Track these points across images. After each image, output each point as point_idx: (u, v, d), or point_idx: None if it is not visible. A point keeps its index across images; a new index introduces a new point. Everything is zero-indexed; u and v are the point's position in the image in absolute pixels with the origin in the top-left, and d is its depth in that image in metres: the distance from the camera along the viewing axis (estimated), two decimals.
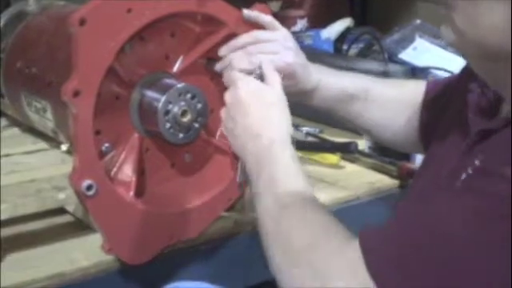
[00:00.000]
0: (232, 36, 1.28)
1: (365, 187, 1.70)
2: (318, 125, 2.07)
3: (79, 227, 1.35)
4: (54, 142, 1.51)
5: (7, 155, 1.49)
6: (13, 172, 1.38)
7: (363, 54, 2.22)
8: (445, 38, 0.99)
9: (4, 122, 1.72)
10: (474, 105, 1.05)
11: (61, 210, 1.34)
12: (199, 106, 1.23)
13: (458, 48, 1.00)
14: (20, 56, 1.52)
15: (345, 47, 2.32)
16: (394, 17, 2.67)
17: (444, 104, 1.25)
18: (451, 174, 0.95)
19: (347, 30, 2.37)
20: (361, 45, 2.28)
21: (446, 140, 1.11)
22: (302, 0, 2.78)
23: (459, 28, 0.93)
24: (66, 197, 1.24)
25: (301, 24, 2.70)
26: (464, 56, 1.06)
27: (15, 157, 1.49)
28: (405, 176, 1.69)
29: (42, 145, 1.54)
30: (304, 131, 2.03)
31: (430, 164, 1.16)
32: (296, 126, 2.01)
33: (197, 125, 1.24)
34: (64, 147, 1.36)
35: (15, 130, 1.67)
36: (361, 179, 1.74)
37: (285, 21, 2.41)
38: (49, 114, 1.38)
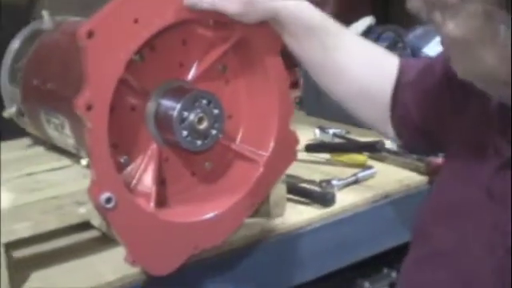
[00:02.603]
0: (244, 39, 1.26)
1: (393, 185, 1.69)
2: (345, 126, 2.06)
3: (105, 241, 1.35)
4: (76, 158, 1.50)
5: (30, 174, 1.49)
6: (35, 190, 1.38)
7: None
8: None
9: (28, 141, 1.72)
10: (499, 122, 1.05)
11: (87, 225, 1.34)
12: (215, 111, 1.22)
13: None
14: (36, 73, 1.52)
15: None
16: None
17: (437, 98, 1.24)
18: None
19: (369, 29, 2.34)
20: (385, 43, 2.25)
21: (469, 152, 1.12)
22: (324, 1, 2.75)
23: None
24: (86, 211, 1.24)
25: None
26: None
27: (38, 175, 1.48)
28: (433, 172, 1.68)
29: (66, 161, 1.53)
30: (331, 133, 2.02)
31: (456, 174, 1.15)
32: (323, 128, 2.01)
33: (214, 131, 1.23)
34: (84, 162, 1.35)
35: (39, 149, 1.67)
36: (389, 177, 1.73)
37: None
38: (67, 130, 1.38)
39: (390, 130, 1.34)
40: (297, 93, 2.40)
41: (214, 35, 1.27)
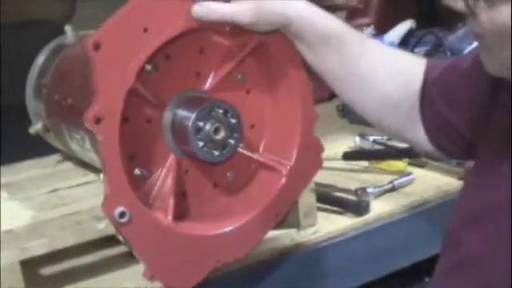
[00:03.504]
0: (263, 46, 1.23)
1: (432, 191, 1.65)
2: None
3: (131, 257, 1.32)
4: (100, 173, 1.49)
5: (55, 190, 1.48)
6: (57, 206, 1.37)
7: (429, 55, 2.14)
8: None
9: (58, 157, 1.71)
10: None
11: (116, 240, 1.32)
12: (233, 121, 1.19)
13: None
14: (58, 88, 1.51)
15: (409, 50, 2.24)
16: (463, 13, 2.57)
17: (465, 101, 1.18)
18: None
19: (410, 32, 2.30)
20: (426, 47, 2.21)
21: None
22: (367, 7, 2.72)
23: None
24: (104, 227, 1.22)
25: (367, 32, 2.63)
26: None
27: (62, 191, 1.47)
28: None
29: (91, 177, 1.52)
30: (371, 139, 1.97)
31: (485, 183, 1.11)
32: (363, 136, 1.97)
33: (232, 141, 1.20)
34: (102, 176, 1.33)
35: (68, 165, 1.67)
36: (427, 184, 1.70)
37: None
38: (88, 144, 1.36)
39: (418, 136, 1.28)
40: (339, 101, 2.36)
41: (231, 43, 1.24)
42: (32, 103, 1.63)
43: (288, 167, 1.27)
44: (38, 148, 1.71)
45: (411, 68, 1.27)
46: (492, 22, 0.93)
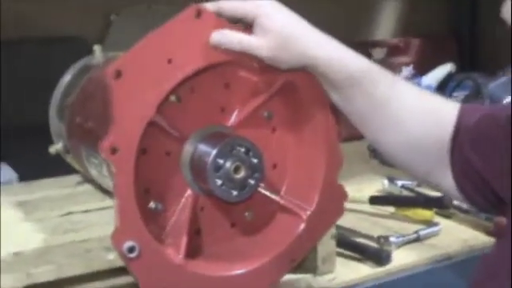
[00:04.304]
0: (291, 85, 1.19)
1: (457, 245, 1.59)
2: None
3: None
4: None
5: (69, 213, 1.45)
6: (68, 231, 1.34)
7: (467, 101, 2.08)
8: None
9: (78, 178, 1.67)
10: None
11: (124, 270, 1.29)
12: (254, 161, 1.14)
13: None
14: (80, 110, 1.48)
15: (447, 94, 2.19)
16: (506, 58, 2.53)
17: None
18: None
19: (449, 76, 2.25)
20: (464, 91, 2.16)
21: None
22: (408, 46, 2.68)
23: None
24: (114, 258, 1.18)
25: (406, 71, 2.58)
26: None
27: (76, 215, 1.44)
28: (501, 233, 1.56)
29: (108, 202, 1.48)
30: (399, 185, 1.92)
31: None
32: (391, 179, 1.92)
33: (253, 181, 1.15)
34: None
35: (88, 187, 1.63)
36: (454, 236, 1.64)
37: (389, 68, 2.31)
38: (105, 171, 1.33)
39: (446, 183, 1.23)
40: None
41: (258, 79, 1.20)
42: (55, 122, 1.60)
43: (308, 212, 1.23)
44: (61, 166, 1.67)
45: (443, 111, 1.21)
46: None
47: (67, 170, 1.68)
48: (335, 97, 1.18)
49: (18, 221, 1.44)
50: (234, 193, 1.14)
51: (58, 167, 1.66)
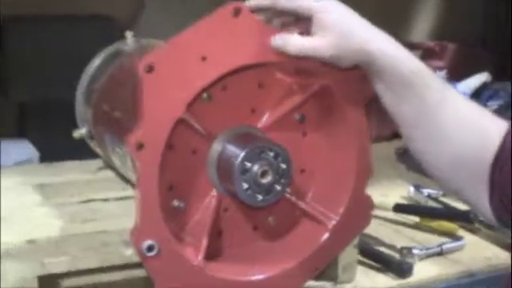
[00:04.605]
0: (326, 89, 1.15)
1: (481, 263, 1.55)
2: None
3: None
4: None
5: (88, 201, 1.41)
6: (87, 221, 1.30)
7: (500, 112, 2.04)
8: None
9: (99, 163, 1.64)
10: None
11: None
12: (283, 166, 1.11)
13: None
14: (107, 98, 1.44)
15: (482, 103, 2.15)
16: None
17: None
18: None
19: (484, 86, 2.20)
20: (498, 101, 2.11)
21: None
22: (443, 51, 2.63)
23: None
24: (132, 253, 1.14)
25: (440, 76, 2.54)
26: None
27: (96, 203, 1.41)
28: None
29: (129, 192, 1.44)
30: (425, 193, 1.88)
31: None
32: (417, 187, 1.88)
33: (279, 187, 1.12)
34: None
35: (109, 173, 1.59)
36: (477, 253, 1.60)
37: None
38: (129, 162, 1.29)
39: (480, 202, 1.18)
40: (399, 143, 2.26)
41: (293, 81, 1.16)
42: (80, 106, 1.56)
43: (333, 222, 1.19)
44: (84, 147, 1.64)
45: (489, 128, 1.16)
46: None
47: (90, 151, 1.64)
48: (388, 98, 1.14)
49: (35, 204, 1.41)
50: (259, 197, 1.11)
51: (81, 148, 1.62)
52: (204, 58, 1.03)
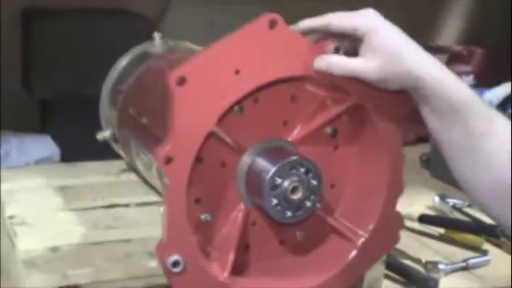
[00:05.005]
0: (359, 107, 1.12)
1: (506, 280, 1.51)
2: None
3: None
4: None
5: (111, 206, 1.39)
6: (109, 228, 1.28)
7: None
8: None
9: (122, 165, 1.61)
10: None
11: None
12: (314, 182, 1.08)
13: None
14: (134, 102, 1.41)
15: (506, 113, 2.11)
16: None
17: None
18: None
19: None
20: None
21: None
22: (471, 56, 2.59)
23: None
24: (156, 266, 1.12)
25: (466, 81, 2.50)
26: None
27: (119, 209, 1.38)
28: None
29: (153, 198, 1.42)
30: (451, 204, 1.85)
31: None
32: (443, 197, 1.85)
33: (309, 203, 1.09)
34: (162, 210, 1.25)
35: (132, 176, 1.56)
36: (503, 268, 1.56)
37: None
38: (154, 170, 1.27)
39: None
40: (425, 149, 2.23)
41: (326, 95, 1.13)
42: (105, 106, 1.53)
43: (362, 239, 1.16)
44: (107, 147, 1.61)
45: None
46: None
47: (112, 151, 1.61)
48: (433, 123, 1.11)
49: (57, 209, 1.39)
50: (288, 214, 1.08)
51: (103, 148, 1.59)
52: (237, 72, 1.01)
